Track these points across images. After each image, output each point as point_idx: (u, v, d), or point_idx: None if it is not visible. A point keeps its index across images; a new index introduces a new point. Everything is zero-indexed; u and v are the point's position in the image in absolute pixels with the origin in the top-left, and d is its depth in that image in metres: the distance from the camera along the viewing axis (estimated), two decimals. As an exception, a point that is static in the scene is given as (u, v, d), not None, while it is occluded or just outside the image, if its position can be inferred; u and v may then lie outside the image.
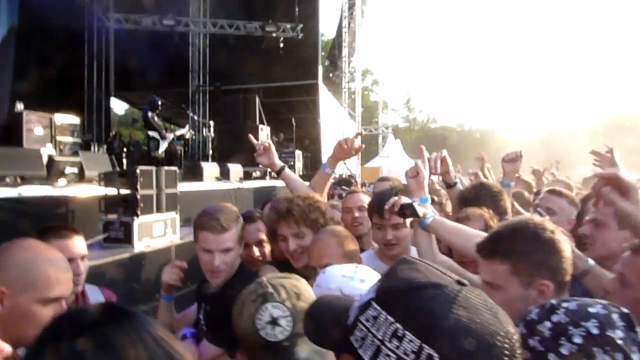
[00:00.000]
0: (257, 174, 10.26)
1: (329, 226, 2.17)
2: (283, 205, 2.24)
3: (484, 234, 1.84)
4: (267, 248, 2.54)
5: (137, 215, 4.25)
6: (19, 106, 8.23)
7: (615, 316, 1.04)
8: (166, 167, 5.14)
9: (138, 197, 4.27)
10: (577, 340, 1.02)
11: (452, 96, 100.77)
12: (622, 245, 1.69)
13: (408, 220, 2.24)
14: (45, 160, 5.10)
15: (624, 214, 1.50)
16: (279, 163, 2.79)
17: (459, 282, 0.73)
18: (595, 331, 1.01)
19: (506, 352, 0.68)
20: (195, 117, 11.57)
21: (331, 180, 2.93)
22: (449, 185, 2.97)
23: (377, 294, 0.77)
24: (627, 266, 1.64)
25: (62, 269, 1.46)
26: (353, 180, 9.82)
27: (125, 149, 12.88)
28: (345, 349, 0.77)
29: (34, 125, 8.00)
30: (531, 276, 1.44)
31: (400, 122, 57.65)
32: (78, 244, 2.18)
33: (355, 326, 0.77)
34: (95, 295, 2.26)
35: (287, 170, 2.77)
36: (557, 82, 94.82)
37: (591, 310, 1.05)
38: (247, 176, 9.27)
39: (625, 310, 1.06)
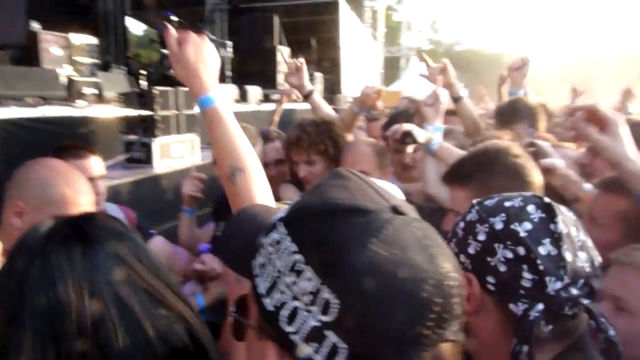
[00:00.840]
0: (276, 96, 10.13)
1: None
2: (294, 132, 2.24)
3: None
4: (286, 167, 2.56)
5: (156, 136, 4.27)
6: (35, 25, 8.11)
7: (530, 207, 0.95)
8: (184, 88, 5.09)
9: (157, 117, 4.27)
10: (481, 237, 0.95)
11: (480, 18, 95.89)
12: None
13: (410, 148, 2.21)
14: (63, 80, 5.08)
15: (598, 147, 1.40)
16: (308, 85, 2.74)
17: (394, 209, 0.57)
18: (499, 226, 0.94)
19: (436, 307, 0.52)
20: (213, 37, 11.25)
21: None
22: (455, 100, 2.89)
23: (288, 213, 0.62)
24: (596, 205, 1.59)
25: (80, 190, 1.47)
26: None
27: (144, 71, 12.76)
28: (247, 273, 0.64)
29: (51, 45, 7.91)
30: None
31: (425, 44, 55.52)
32: (95, 164, 2.22)
33: (258, 249, 0.63)
34: (116, 214, 2.32)
35: (315, 94, 2.72)
36: (586, 9, 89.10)
37: (506, 204, 0.97)
38: (266, 98, 9.16)
39: (547, 200, 0.96)
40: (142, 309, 0.69)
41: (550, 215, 0.93)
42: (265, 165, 2.39)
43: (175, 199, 4.40)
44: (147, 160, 4.29)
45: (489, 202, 1.01)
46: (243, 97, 7.88)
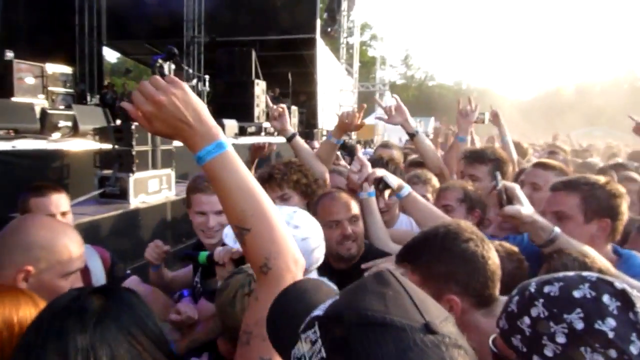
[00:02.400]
0: (252, 129, 10.20)
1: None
2: (265, 171, 2.32)
3: (449, 219, 1.87)
4: None
5: (133, 172, 4.25)
6: (9, 54, 8.03)
7: (605, 298, 0.86)
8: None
9: (134, 153, 4.26)
10: (561, 339, 0.85)
11: (451, 54, 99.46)
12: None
13: (386, 193, 2.29)
14: (38, 113, 5.04)
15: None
16: (290, 129, 2.81)
17: (427, 327, 0.58)
18: (579, 326, 0.84)
19: None
20: (190, 70, 11.33)
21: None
22: (411, 135, 3.01)
23: (325, 313, 0.64)
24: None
25: (78, 243, 1.50)
26: (357, 146, 9.81)
27: (118, 100, 12.70)
28: (284, 356, 0.66)
29: (25, 74, 7.84)
30: (439, 289, 1.30)
31: (398, 78, 57.02)
32: (58, 200, 2.25)
33: (295, 340, 0.65)
34: (90, 254, 2.30)
35: (297, 137, 2.79)
36: (554, 43, 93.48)
37: (576, 295, 0.87)
38: (242, 132, 9.22)
39: (619, 284, 0.87)
40: None
41: (627, 304, 0.85)
42: None
43: (151, 235, 4.36)
44: (122, 195, 4.26)
45: (552, 291, 0.91)
46: (219, 131, 7.92)
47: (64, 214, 2.27)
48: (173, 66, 5.44)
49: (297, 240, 1.10)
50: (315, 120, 15.79)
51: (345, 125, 2.64)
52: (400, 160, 3.35)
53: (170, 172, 4.83)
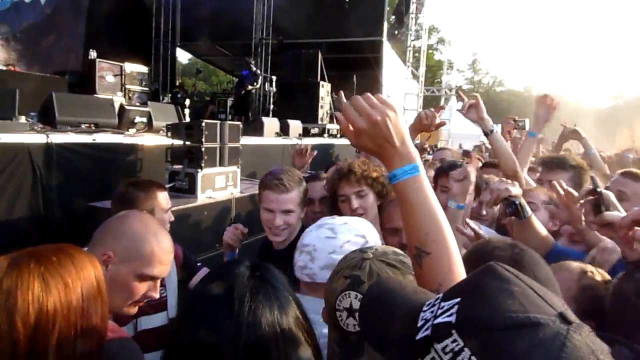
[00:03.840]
0: (315, 130, 10.26)
1: None
2: (344, 165, 2.28)
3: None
4: (326, 204, 2.60)
5: (202, 168, 4.37)
6: (93, 54, 8.58)
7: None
8: (230, 122, 5.22)
9: (203, 149, 4.37)
10: None
11: (521, 59, 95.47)
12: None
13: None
14: (116, 108, 5.31)
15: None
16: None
17: (563, 318, 0.58)
18: None
19: None
20: (258, 72, 11.58)
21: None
22: (486, 133, 2.85)
23: (460, 319, 0.61)
24: None
25: (167, 250, 1.51)
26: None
27: (188, 100, 13.23)
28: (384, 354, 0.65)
29: (106, 73, 8.35)
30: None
31: (464, 83, 55.48)
32: (163, 198, 2.38)
33: (427, 350, 0.63)
34: None
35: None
36: (634, 47, 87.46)
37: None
38: (305, 133, 9.28)
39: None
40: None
41: None
42: (311, 201, 2.53)
43: (216, 230, 4.46)
44: (190, 190, 4.38)
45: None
46: (284, 131, 8.01)
47: (167, 210, 2.46)
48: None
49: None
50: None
51: (423, 125, 2.54)
52: None
53: (236, 170, 4.92)
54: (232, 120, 9.51)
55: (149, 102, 6.65)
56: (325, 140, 9.89)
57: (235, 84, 12.09)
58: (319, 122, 10.51)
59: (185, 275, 2.28)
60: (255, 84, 11.16)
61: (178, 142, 4.54)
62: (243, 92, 11.02)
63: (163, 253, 1.48)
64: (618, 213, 1.54)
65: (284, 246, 2.13)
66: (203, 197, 4.42)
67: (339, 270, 1.18)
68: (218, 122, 4.76)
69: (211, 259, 4.24)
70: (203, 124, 4.40)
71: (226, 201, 4.67)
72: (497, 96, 54.37)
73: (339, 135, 10.87)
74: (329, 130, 10.52)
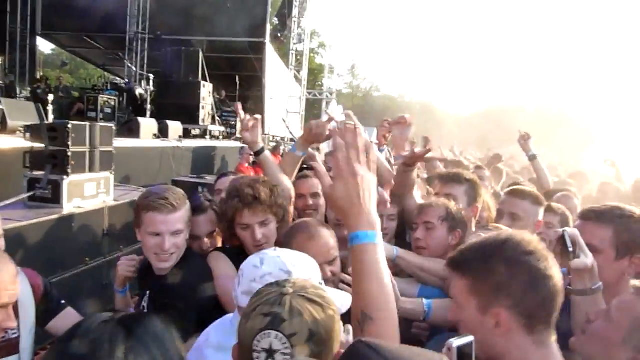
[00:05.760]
0: (196, 132, 9.89)
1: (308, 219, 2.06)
2: (248, 192, 1.97)
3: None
4: (218, 240, 2.34)
5: (68, 174, 3.94)
6: None
7: None
8: (101, 124, 4.79)
9: (69, 154, 3.95)
10: None
11: (395, 66, 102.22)
12: None
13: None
14: (-40, 105, 4.59)
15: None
16: (260, 143, 2.55)
17: None
18: None
19: None
20: (133, 68, 10.85)
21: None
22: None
23: None
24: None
25: (11, 278, 1.46)
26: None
27: (52, 95, 11.92)
28: None
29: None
30: (487, 301, 1.18)
31: (344, 87, 57.75)
32: None
33: None
34: (21, 279, 1.96)
35: (267, 152, 2.53)
36: (497, 60, 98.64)
37: None
38: (186, 134, 8.91)
39: None
40: None
41: None
42: (197, 238, 2.17)
43: (85, 243, 4.05)
44: (54, 199, 3.92)
45: None
46: (163, 133, 7.59)
47: None
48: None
49: None
50: (263, 125, 15.63)
51: (313, 136, 2.41)
52: None
53: (109, 176, 4.53)
54: (103, 120, 8.74)
55: (1, 99, 5.83)
56: (207, 142, 9.57)
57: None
58: (201, 124, 10.17)
59: (43, 312, 1.90)
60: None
61: (39, 146, 4.05)
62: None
63: (8, 281, 1.44)
64: (584, 259, 1.54)
65: (168, 272, 1.94)
66: (70, 206, 3.99)
67: (255, 306, 1.07)
68: (87, 124, 4.34)
69: (75, 277, 3.84)
70: (69, 126, 3.97)
71: (98, 210, 4.27)
72: (374, 101, 57.41)
73: (221, 138, 10.59)
74: (210, 132, 10.21)
